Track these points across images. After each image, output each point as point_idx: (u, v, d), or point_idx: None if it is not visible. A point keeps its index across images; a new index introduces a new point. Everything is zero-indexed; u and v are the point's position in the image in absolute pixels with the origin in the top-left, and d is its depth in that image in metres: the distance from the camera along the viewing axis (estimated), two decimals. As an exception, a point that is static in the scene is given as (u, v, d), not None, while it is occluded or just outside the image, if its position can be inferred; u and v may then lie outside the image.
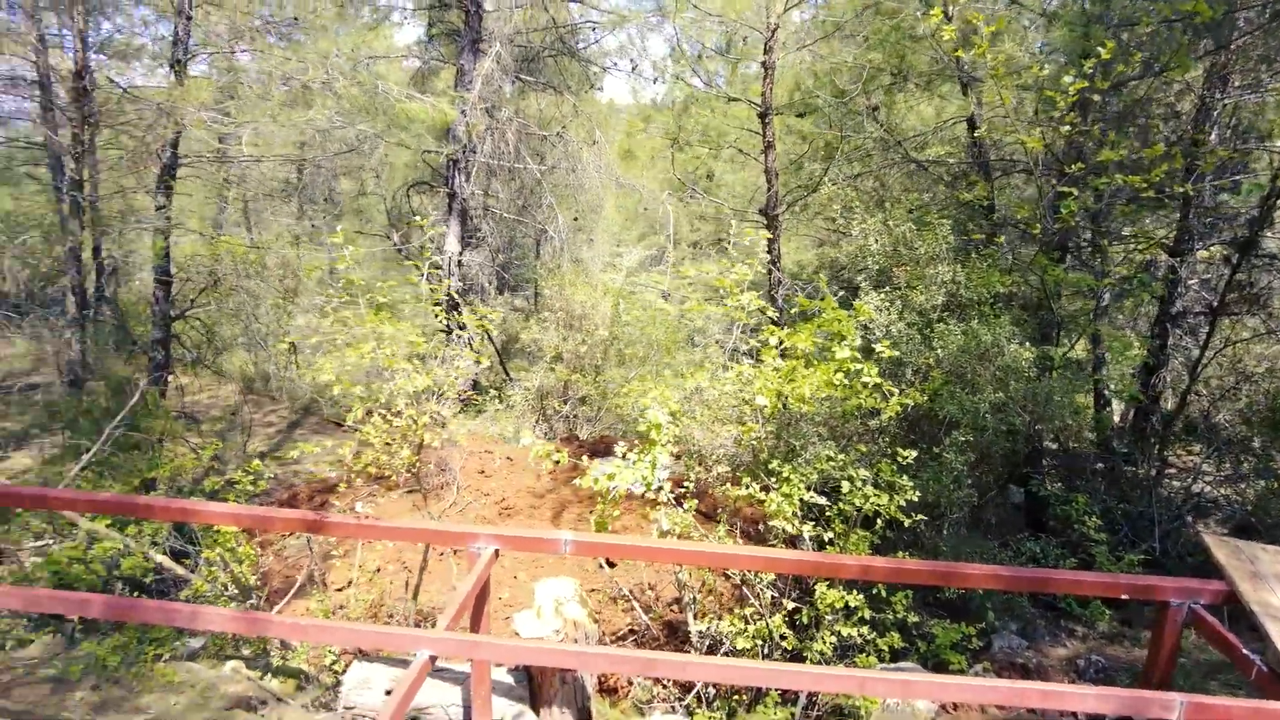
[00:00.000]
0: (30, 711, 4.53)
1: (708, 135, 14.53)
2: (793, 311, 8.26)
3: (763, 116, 10.92)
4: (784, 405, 4.79)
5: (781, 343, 4.99)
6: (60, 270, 12.40)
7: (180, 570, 5.68)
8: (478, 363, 5.59)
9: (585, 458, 5.29)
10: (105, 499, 4.43)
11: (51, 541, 6.56)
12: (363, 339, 4.50)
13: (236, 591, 5.13)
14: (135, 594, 5.85)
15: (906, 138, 10.38)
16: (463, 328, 8.93)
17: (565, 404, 11.00)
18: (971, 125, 9.37)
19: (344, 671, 5.05)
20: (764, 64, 10.74)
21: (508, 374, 14.15)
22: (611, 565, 6.51)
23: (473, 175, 14.47)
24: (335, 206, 18.36)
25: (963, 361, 6.78)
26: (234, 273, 9.74)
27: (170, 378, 9.96)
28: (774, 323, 5.08)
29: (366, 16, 15.23)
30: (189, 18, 8.94)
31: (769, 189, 11.01)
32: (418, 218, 11.22)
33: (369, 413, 4.53)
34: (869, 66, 10.50)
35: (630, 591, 6.00)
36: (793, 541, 5.21)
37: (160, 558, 5.50)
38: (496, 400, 11.56)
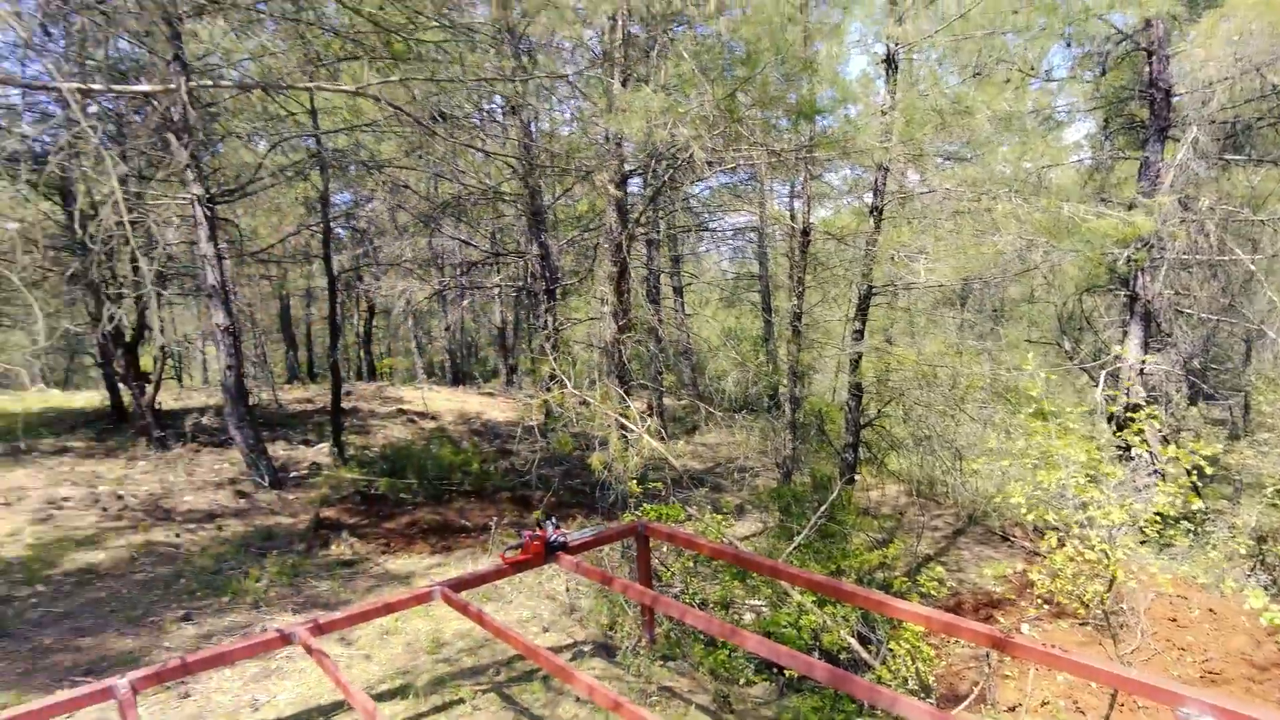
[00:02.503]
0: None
1: None
2: None
3: None
4: None
5: None
6: (765, 376, 15.39)
7: (864, 654, 6.40)
8: (1187, 499, 4.98)
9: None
10: (819, 580, 5.34)
11: (764, 604, 8.09)
12: (1053, 464, 4.52)
13: (916, 686, 5.54)
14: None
15: None
16: (1150, 453, 8.01)
17: (1293, 551, 8.76)
18: None
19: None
20: None
21: (1206, 505, 11.92)
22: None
23: (1160, 274, 13.00)
24: (998, 314, 18.53)
25: None
26: (913, 384, 10.73)
27: (857, 477, 11.41)
28: None
29: (1031, 123, 15.30)
30: (885, 169, 10.47)
31: None
32: (1092, 325, 10.61)
33: (1061, 542, 4.49)
34: None
35: None
36: None
37: (850, 639, 6.29)
38: (1190, 535, 9.89)
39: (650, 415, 10.20)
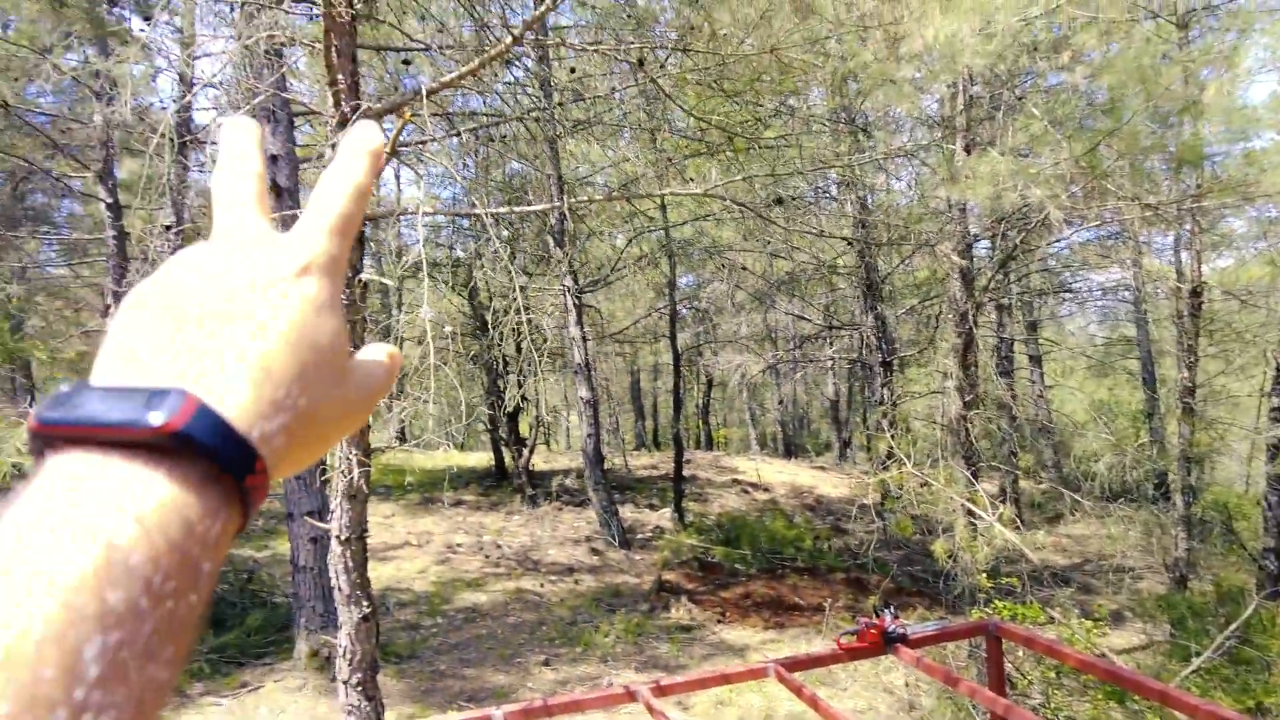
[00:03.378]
0: None
1: None
2: None
3: None
4: None
5: None
6: (1147, 460, 13.13)
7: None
8: None
9: None
10: (1230, 716, 4.36)
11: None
12: None
13: None
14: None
15: None
16: None
17: None
18: None
19: None
20: None
21: None
22: None
23: None
24: None
25: None
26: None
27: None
28: None
29: None
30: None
31: None
32: None
33: None
34: None
35: None
36: None
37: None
38: None
39: (1003, 501, 9.29)
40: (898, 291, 17.60)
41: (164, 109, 10.52)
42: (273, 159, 8.29)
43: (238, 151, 0.43)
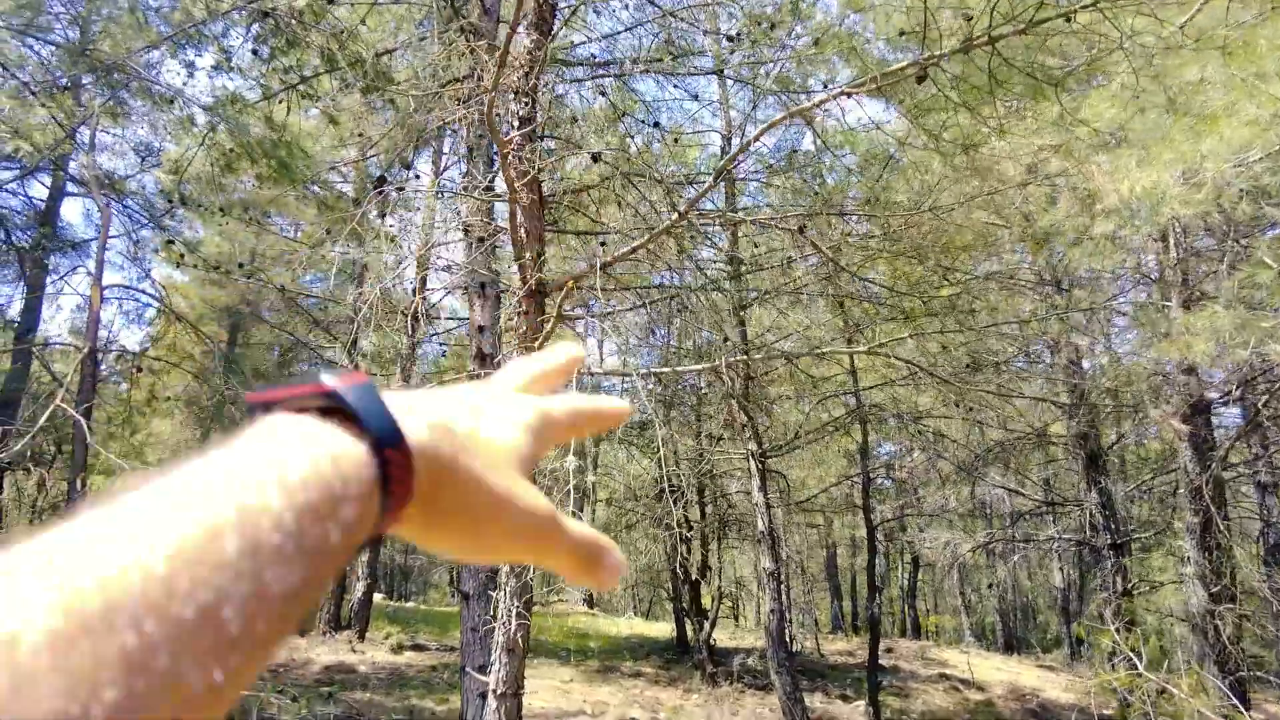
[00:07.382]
0: None
1: None
2: None
3: None
4: None
5: None
6: None
7: None
8: None
9: None
10: None
11: None
12: None
13: None
14: None
15: None
16: None
17: None
18: None
19: None
20: None
21: None
22: None
23: None
24: None
25: None
26: None
27: None
28: None
29: None
30: None
31: None
32: None
33: None
34: None
35: None
36: None
37: None
38: None
39: (1282, 723, 7.48)
40: (1129, 465, 15.70)
41: (406, 288, 12.18)
42: (480, 329, 9.21)
43: (550, 357, 0.53)
